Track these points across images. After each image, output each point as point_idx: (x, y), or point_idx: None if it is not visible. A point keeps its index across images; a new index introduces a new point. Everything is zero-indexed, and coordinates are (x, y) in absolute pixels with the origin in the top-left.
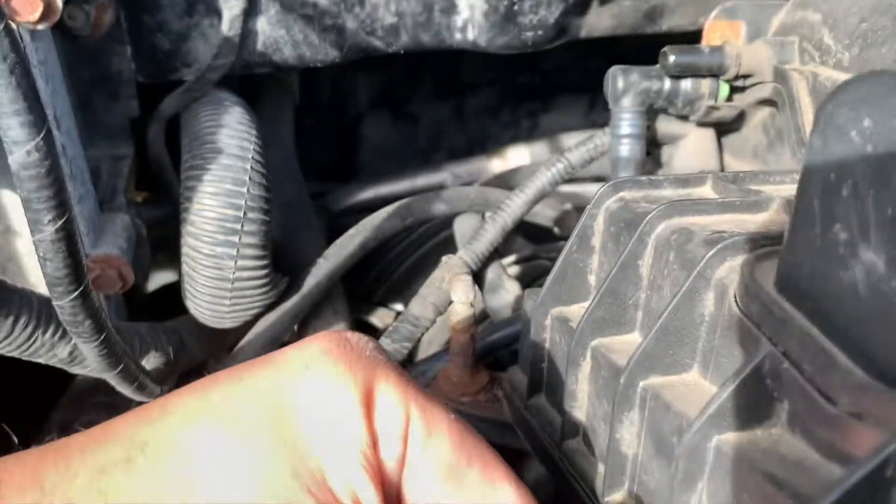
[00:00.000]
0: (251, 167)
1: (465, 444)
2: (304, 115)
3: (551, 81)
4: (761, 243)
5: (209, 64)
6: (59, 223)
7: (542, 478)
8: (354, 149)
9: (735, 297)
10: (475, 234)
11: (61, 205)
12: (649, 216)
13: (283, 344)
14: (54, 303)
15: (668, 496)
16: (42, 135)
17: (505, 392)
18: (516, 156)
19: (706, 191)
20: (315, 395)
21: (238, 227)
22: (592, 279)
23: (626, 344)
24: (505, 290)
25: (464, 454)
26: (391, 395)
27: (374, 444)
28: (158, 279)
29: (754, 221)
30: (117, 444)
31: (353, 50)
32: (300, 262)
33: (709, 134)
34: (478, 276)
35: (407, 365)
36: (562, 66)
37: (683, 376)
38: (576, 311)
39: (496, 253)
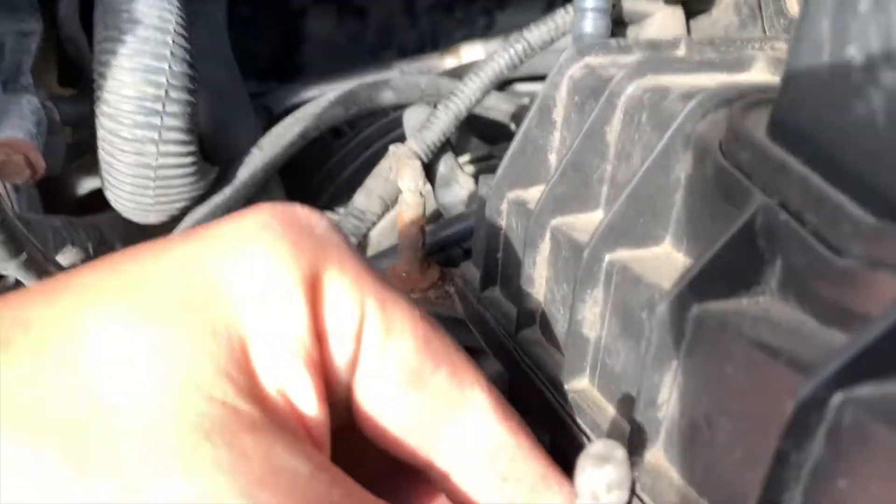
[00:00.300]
0: (172, 41)
1: (431, 345)
2: (241, 7)
3: None
4: (748, 94)
5: None
6: None
7: (497, 375)
8: (297, 46)
9: (721, 147)
10: (426, 122)
11: None
12: (618, 75)
13: None
14: None
15: (635, 379)
16: None
17: (457, 288)
18: (470, 53)
19: (680, 54)
20: (247, 274)
21: (159, 107)
22: (553, 158)
23: (589, 222)
24: (458, 184)
25: (429, 356)
26: (344, 284)
27: (319, 340)
28: (87, 184)
29: (736, 80)
30: None
31: None
32: (233, 154)
33: (677, 13)
34: (429, 170)
35: None
36: None
37: (654, 250)
38: (534, 193)
39: (449, 144)
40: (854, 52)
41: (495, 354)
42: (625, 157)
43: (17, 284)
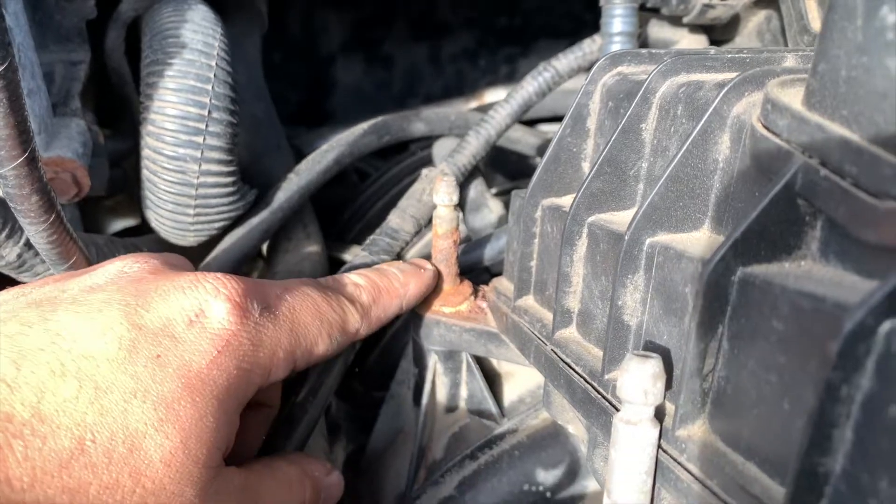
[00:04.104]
0: (216, 64)
1: None
2: (273, 54)
3: (531, 24)
4: (781, 76)
5: None
6: (0, 68)
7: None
8: (326, 93)
9: (758, 119)
10: (457, 147)
11: (3, 46)
12: (652, 73)
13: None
14: None
15: (679, 356)
16: None
17: (490, 302)
18: (494, 98)
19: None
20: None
21: (202, 126)
22: (587, 166)
23: (625, 219)
24: (488, 208)
25: None
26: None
27: None
28: (119, 224)
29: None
30: None
31: None
32: (269, 181)
33: (701, 40)
34: (459, 194)
35: None
36: (542, 7)
37: (693, 234)
38: (568, 200)
39: (478, 170)
40: (887, 13)
41: (532, 360)
42: (661, 151)
43: None
